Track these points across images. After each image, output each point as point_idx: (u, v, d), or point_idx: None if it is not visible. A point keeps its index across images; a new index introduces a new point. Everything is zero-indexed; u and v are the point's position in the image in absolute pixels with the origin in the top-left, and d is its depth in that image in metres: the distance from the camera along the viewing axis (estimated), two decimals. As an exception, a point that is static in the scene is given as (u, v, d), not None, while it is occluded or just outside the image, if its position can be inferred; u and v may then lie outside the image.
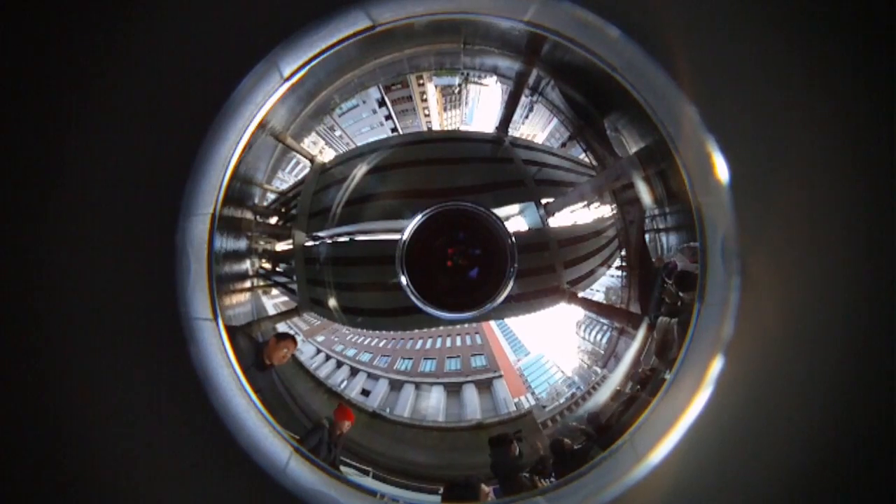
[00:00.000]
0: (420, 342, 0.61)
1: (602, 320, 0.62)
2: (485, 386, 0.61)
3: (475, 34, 0.59)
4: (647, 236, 0.62)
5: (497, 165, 0.62)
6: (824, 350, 0.59)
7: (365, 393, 0.61)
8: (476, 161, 0.62)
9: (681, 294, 0.58)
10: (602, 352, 0.62)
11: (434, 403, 0.61)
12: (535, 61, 0.60)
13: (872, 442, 0.59)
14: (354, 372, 0.61)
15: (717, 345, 0.54)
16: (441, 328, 0.61)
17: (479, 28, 0.57)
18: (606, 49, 0.54)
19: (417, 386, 0.61)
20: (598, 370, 0.61)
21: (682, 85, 0.54)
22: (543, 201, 0.62)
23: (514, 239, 0.61)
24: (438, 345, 0.61)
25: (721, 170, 0.54)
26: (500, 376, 0.61)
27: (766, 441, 0.59)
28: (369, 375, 0.61)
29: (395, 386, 0.61)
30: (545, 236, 0.62)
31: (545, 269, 0.62)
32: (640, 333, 0.60)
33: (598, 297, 0.62)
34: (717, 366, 0.54)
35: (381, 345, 0.61)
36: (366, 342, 0.61)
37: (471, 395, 0.61)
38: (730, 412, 0.58)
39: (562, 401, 0.61)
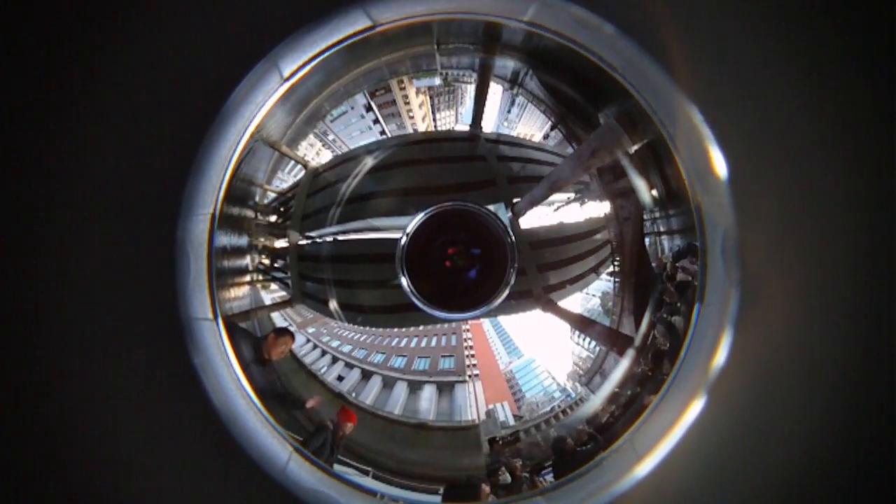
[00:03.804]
0: (396, 340, 0.62)
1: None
2: (446, 388, 0.62)
3: (448, 33, 0.59)
4: (647, 239, 0.61)
5: (470, 164, 0.62)
6: (825, 351, 0.59)
7: (339, 378, 0.62)
8: (450, 161, 0.62)
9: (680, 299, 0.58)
10: (594, 357, 0.62)
11: (395, 396, 0.61)
12: (497, 50, 0.60)
13: (873, 445, 0.59)
14: (335, 360, 0.62)
15: (718, 345, 0.54)
16: (420, 328, 0.62)
17: (451, 27, 0.57)
18: (606, 48, 0.54)
19: (384, 379, 0.62)
20: (580, 387, 0.61)
21: (682, 84, 0.54)
22: (515, 200, 0.62)
23: (513, 238, 0.61)
24: (414, 344, 0.62)
25: (720, 168, 0.54)
26: (464, 381, 0.62)
27: (765, 441, 0.59)
28: (346, 364, 0.62)
29: (366, 376, 0.62)
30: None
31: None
32: (628, 356, 0.60)
33: (595, 301, 0.62)
34: (717, 366, 0.54)
35: (361, 339, 0.62)
36: (348, 335, 0.62)
37: (429, 395, 0.62)
38: (730, 412, 0.58)
39: (513, 424, 0.61)
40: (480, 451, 0.60)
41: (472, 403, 0.61)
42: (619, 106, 0.57)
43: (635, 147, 0.58)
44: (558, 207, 0.62)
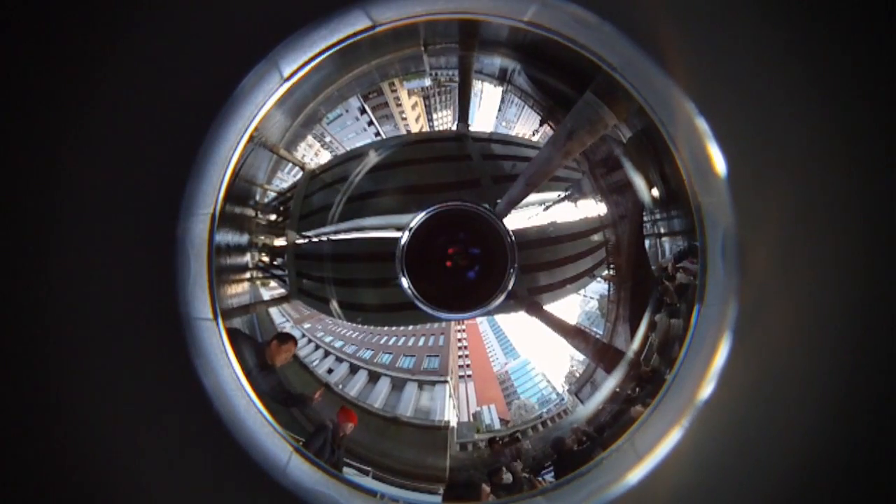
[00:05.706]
0: (385, 338, 0.63)
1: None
2: (427, 387, 0.62)
3: (434, 33, 0.59)
4: (647, 241, 0.61)
5: (455, 164, 0.62)
6: (826, 350, 0.59)
7: (329, 371, 0.62)
8: (436, 161, 0.62)
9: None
10: (587, 364, 0.62)
11: (378, 391, 0.62)
12: (475, 46, 0.60)
13: (872, 444, 0.59)
14: (326, 354, 0.62)
15: (718, 344, 0.54)
16: (410, 327, 0.63)
17: (437, 27, 0.58)
18: (605, 48, 0.55)
19: (370, 373, 0.62)
20: (568, 396, 0.61)
21: (681, 84, 0.54)
22: (499, 200, 0.62)
23: (513, 238, 0.61)
24: (401, 342, 0.63)
25: (719, 166, 0.54)
26: (445, 381, 0.62)
27: (766, 440, 0.59)
28: (336, 358, 0.62)
29: (354, 370, 0.63)
30: None
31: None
32: (617, 373, 0.60)
33: (593, 304, 0.62)
34: (717, 365, 0.54)
35: (353, 335, 0.63)
36: (340, 331, 0.63)
37: (409, 393, 0.62)
38: (730, 413, 0.58)
39: (498, 428, 0.61)
40: (446, 453, 0.60)
41: (455, 405, 0.62)
42: (596, 81, 0.57)
43: (619, 126, 0.58)
44: (548, 207, 0.62)
